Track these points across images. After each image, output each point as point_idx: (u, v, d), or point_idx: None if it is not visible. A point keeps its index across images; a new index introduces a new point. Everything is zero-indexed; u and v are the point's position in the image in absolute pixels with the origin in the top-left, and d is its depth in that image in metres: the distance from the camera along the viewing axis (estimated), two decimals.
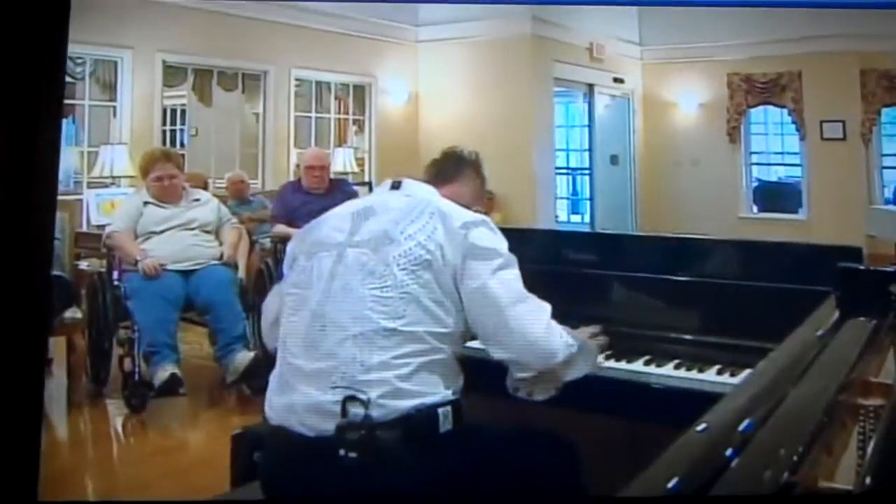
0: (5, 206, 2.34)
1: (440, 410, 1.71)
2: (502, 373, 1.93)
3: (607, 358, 2.50)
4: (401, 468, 1.65)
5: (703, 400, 1.41)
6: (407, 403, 1.68)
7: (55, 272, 3.49)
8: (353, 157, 6.28)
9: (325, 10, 6.09)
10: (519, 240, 2.22)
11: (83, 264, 3.88)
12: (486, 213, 5.95)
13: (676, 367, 2.49)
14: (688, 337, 2.55)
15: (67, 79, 5.35)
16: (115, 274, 3.65)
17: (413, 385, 1.69)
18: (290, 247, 1.93)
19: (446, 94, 6.76)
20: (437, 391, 1.72)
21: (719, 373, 2.44)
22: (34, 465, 2.22)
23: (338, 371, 1.68)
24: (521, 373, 1.85)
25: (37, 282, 2.35)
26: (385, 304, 1.70)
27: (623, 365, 2.50)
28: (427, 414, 1.69)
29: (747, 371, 2.39)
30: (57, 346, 3.45)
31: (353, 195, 4.15)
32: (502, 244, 1.87)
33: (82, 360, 3.57)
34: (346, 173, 5.89)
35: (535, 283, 2.16)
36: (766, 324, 2.17)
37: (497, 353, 1.82)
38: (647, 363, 2.51)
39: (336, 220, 1.88)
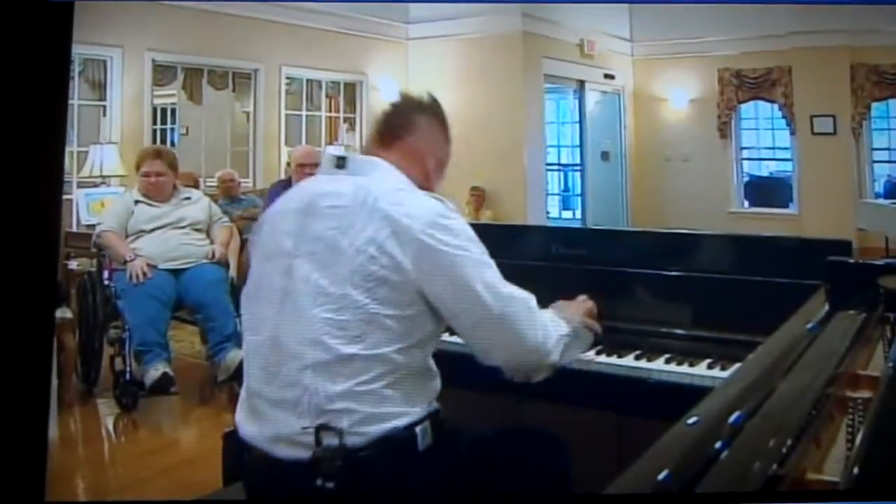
0: (10, 203, 2.34)
1: (417, 429, 1.57)
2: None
3: (598, 353, 2.50)
4: (382, 494, 1.55)
5: (694, 394, 1.41)
6: (381, 427, 1.54)
7: None
8: None
9: (315, 8, 6.08)
10: (507, 236, 2.21)
11: (73, 264, 3.87)
12: (478, 205, 5.92)
13: (667, 361, 2.49)
14: (679, 331, 2.55)
15: None
16: (106, 273, 3.64)
17: (385, 408, 1.54)
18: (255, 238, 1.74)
19: (437, 92, 6.70)
20: (411, 409, 1.57)
21: (710, 367, 2.44)
22: (41, 465, 2.22)
23: (303, 401, 1.53)
24: (513, 374, 1.68)
25: (43, 281, 2.35)
26: (341, 328, 1.53)
27: (614, 360, 2.50)
28: (404, 436, 1.56)
29: (738, 365, 2.39)
30: None
31: None
32: (464, 236, 1.61)
33: (72, 360, 3.55)
34: None
35: (525, 278, 2.15)
36: (756, 317, 2.18)
37: (485, 359, 1.64)
38: (637, 358, 2.51)
39: (281, 219, 1.66)
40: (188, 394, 3.57)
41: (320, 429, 1.50)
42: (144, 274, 3.55)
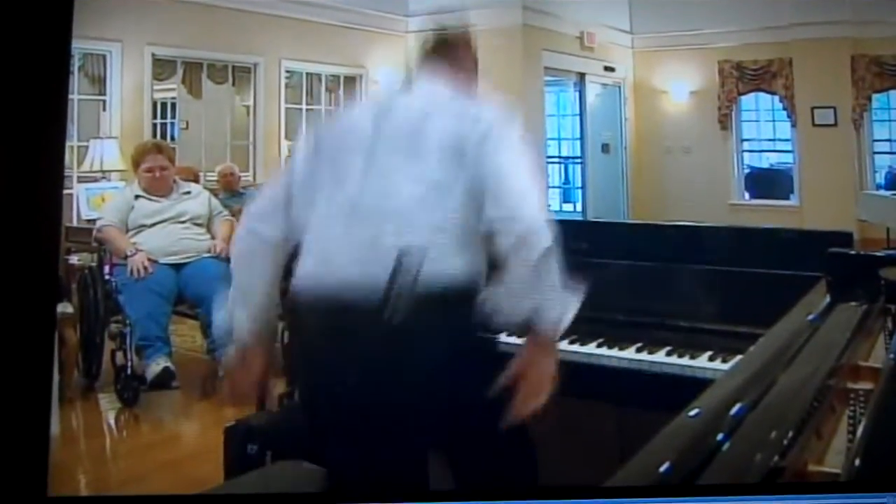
0: (10, 200, 2.34)
1: (470, 286, 1.85)
2: None
3: (599, 346, 2.51)
4: (441, 331, 1.80)
5: (696, 386, 1.41)
6: (446, 276, 1.81)
7: None
8: None
9: (315, 1, 6.07)
10: None
11: (73, 258, 3.86)
12: None
13: (668, 353, 2.49)
14: (680, 323, 2.55)
15: None
16: (106, 268, 3.64)
17: (448, 263, 1.82)
18: (309, 139, 2.00)
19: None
20: (466, 269, 1.85)
21: (711, 359, 2.44)
22: (44, 459, 2.22)
23: (384, 254, 1.79)
24: (508, 236, 1.84)
25: (45, 275, 2.35)
26: (422, 199, 1.82)
27: (615, 352, 2.50)
28: (461, 287, 1.83)
29: (739, 357, 2.40)
30: None
31: None
32: (516, 133, 1.91)
33: (74, 355, 3.55)
34: None
35: None
36: (757, 309, 2.18)
37: (507, 228, 1.84)
38: (639, 350, 2.52)
39: (355, 119, 1.98)
40: (189, 388, 3.57)
41: (396, 271, 1.76)
42: (145, 268, 3.56)
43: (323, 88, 6.56)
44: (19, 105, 2.35)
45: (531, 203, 1.87)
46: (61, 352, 3.42)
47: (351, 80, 6.70)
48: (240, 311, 1.99)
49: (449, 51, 2.07)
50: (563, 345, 2.51)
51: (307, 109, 6.42)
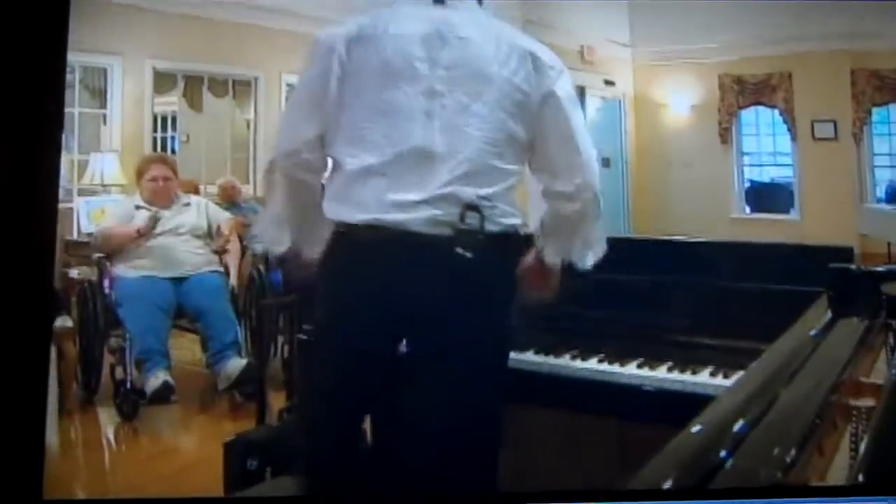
0: (6, 208, 2.34)
1: (523, 232, 1.98)
2: None
3: (600, 361, 2.50)
4: (505, 268, 1.94)
5: (698, 402, 1.40)
6: (508, 221, 1.90)
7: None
8: None
9: (315, 15, 6.06)
10: None
11: (73, 272, 3.86)
12: None
13: (670, 369, 2.49)
14: (680, 339, 2.55)
15: None
16: (106, 282, 3.64)
17: (510, 208, 1.90)
18: (333, 54, 1.91)
19: None
20: (520, 214, 1.95)
21: (713, 374, 2.44)
22: (38, 463, 2.22)
23: (452, 197, 1.83)
24: (564, 186, 1.96)
25: (40, 281, 2.36)
26: (493, 145, 1.86)
27: (616, 368, 2.50)
28: (517, 232, 1.94)
29: (741, 372, 2.39)
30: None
31: None
32: (570, 84, 1.99)
33: (73, 369, 3.54)
34: None
35: None
36: (758, 325, 2.17)
37: (563, 178, 1.96)
38: (640, 366, 2.51)
39: (405, 42, 1.89)
40: (188, 402, 3.57)
41: (466, 209, 1.81)
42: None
43: None
44: (14, 116, 2.36)
45: (593, 160, 2.00)
46: (61, 365, 3.42)
47: None
48: (286, 230, 2.03)
49: None
50: (566, 360, 2.51)
51: None
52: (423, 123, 1.86)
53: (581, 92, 7.09)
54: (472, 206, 1.82)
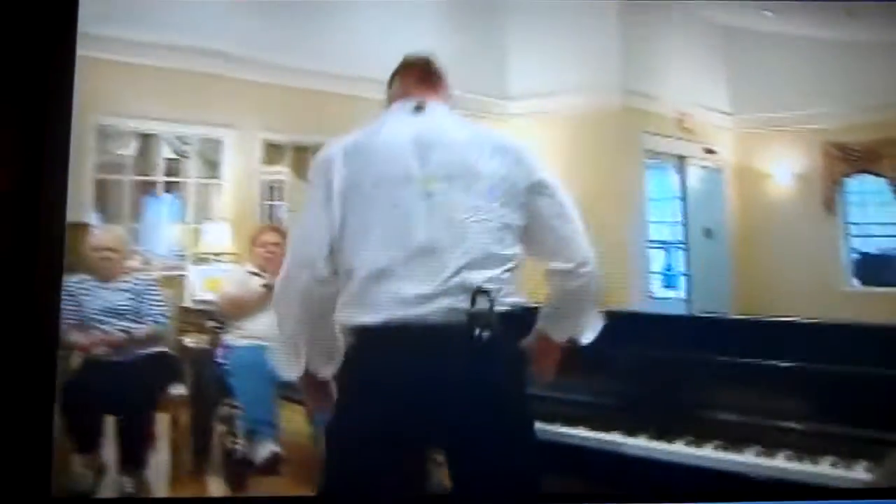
0: (14, 210, 2.42)
1: (526, 309, 2.09)
2: None
3: (715, 448, 2.45)
4: (515, 340, 2.08)
5: (822, 494, 1.36)
6: (513, 300, 2.02)
7: (162, 348, 3.58)
8: None
9: None
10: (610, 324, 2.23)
11: (187, 340, 3.96)
12: None
13: (788, 458, 2.41)
14: (796, 426, 2.47)
15: (174, 156, 5.59)
16: (219, 351, 3.72)
17: (512, 289, 2.03)
18: (333, 168, 2.04)
19: None
20: (522, 294, 2.07)
21: (834, 465, 2.35)
22: (47, 461, 2.31)
23: (460, 285, 1.95)
24: (565, 264, 2.10)
25: (47, 288, 2.43)
26: (491, 233, 2.00)
27: (726, 455, 2.44)
28: (522, 310, 2.06)
29: (862, 462, 2.31)
30: (162, 422, 3.51)
31: None
32: (552, 171, 2.15)
33: (185, 437, 3.61)
34: None
35: (622, 370, 2.19)
36: (881, 412, 2.10)
37: (564, 256, 2.11)
38: (758, 454, 2.44)
39: (392, 149, 2.03)
40: (296, 474, 3.59)
41: (476, 293, 1.94)
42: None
43: None
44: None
45: (585, 240, 2.13)
46: (173, 433, 3.51)
47: None
48: (301, 354, 2.10)
49: (433, 73, 2.21)
50: (677, 446, 2.46)
51: None
52: (425, 221, 1.98)
53: (680, 161, 7.03)
54: (480, 290, 1.94)
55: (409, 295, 1.94)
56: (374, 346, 1.97)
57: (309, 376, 2.13)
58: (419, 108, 2.10)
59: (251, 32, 5.38)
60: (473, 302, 1.94)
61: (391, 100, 2.19)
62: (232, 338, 3.74)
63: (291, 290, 2.08)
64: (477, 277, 1.96)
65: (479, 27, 6.68)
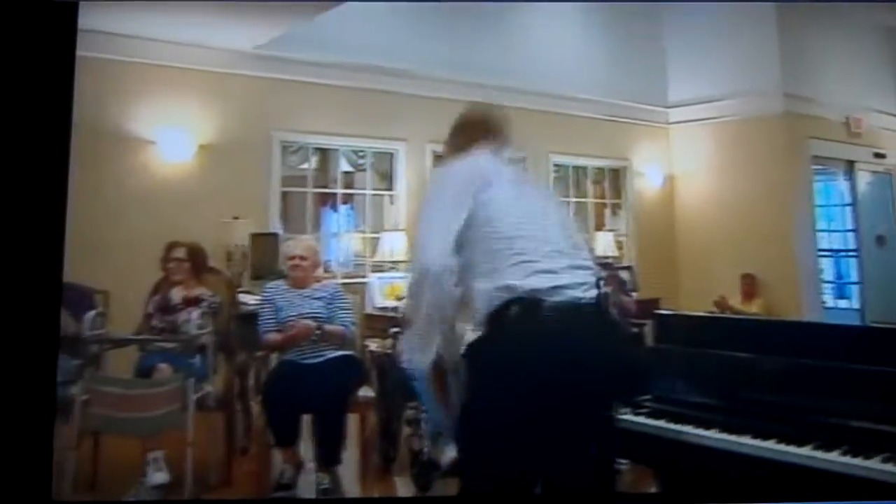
0: (12, 212, 2.51)
1: None
2: None
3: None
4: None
5: None
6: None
7: (349, 352, 3.73)
8: (613, 241, 6.34)
9: (577, 95, 6.25)
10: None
11: (371, 345, 4.10)
12: (749, 294, 5.83)
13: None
14: None
15: (349, 168, 5.84)
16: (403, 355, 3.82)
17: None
18: (476, 176, 2.29)
19: (700, 176, 6.70)
20: None
21: None
22: (47, 464, 2.34)
23: (585, 273, 2.25)
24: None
25: (48, 287, 2.47)
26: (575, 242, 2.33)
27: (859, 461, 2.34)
28: None
29: None
30: (352, 423, 3.64)
31: None
32: None
33: (374, 438, 3.73)
34: (606, 257, 5.93)
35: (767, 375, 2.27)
36: None
37: None
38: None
39: (505, 192, 2.28)
40: None
41: (599, 280, 2.26)
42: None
43: (589, 181, 6.71)
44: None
45: None
46: (363, 434, 3.64)
47: (615, 173, 6.83)
48: (433, 346, 2.24)
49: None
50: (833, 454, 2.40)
51: (575, 202, 6.58)
52: (555, 232, 2.28)
53: (849, 166, 6.80)
54: (597, 277, 2.27)
55: (552, 279, 2.20)
56: (531, 317, 2.16)
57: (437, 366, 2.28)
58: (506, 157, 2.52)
59: (423, 48, 5.58)
60: (598, 284, 2.26)
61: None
62: None
63: (426, 286, 2.23)
64: (591, 265, 2.33)
65: (640, 35, 6.67)
